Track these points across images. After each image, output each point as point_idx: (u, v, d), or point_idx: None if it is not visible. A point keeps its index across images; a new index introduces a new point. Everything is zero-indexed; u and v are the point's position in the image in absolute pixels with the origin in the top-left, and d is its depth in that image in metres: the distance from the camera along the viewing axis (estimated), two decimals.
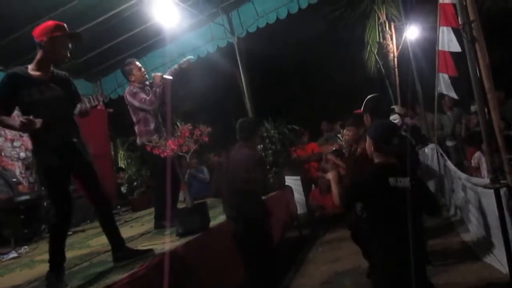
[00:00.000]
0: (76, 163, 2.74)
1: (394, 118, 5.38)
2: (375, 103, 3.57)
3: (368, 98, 3.60)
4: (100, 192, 2.83)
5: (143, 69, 4.49)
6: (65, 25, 2.74)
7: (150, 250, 2.86)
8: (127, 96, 4.33)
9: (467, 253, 4.01)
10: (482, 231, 4.01)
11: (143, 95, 4.26)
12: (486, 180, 3.30)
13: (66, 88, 2.81)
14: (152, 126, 4.29)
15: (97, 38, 6.82)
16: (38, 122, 2.45)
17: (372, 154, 2.54)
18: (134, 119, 4.37)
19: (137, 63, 4.48)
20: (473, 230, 4.40)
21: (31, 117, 2.42)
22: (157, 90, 4.21)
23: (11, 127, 2.69)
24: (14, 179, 5.84)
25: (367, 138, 2.59)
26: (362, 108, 3.61)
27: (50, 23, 2.71)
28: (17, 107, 2.67)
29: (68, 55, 2.77)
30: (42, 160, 2.65)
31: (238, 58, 7.76)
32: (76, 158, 2.73)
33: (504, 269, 3.16)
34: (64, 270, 2.63)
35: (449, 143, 7.35)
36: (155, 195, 4.51)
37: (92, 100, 9.04)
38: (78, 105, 2.82)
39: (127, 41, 7.43)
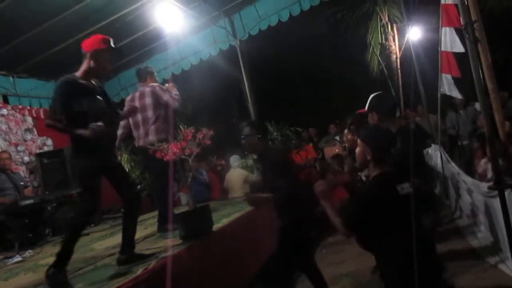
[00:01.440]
0: (110, 166, 2.93)
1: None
2: (381, 101, 3.49)
3: (373, 96, 3.52)
4: (131, 191, 3.07)
5: (156, 76, 4.80)
6: (111, 39, 2.93)
7: (153, 254, 2.89)
8: (157, 89, 4.42)
9: (474, 257, 3.96)
10: (488, 234, 3.98)
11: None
12: (491, 182, 3.28)
13: (106, 98, 2.99)
14: (167, 124, 4.41)
15: None
16: (104, 128, 2.68)
17: (366, 162, 2.37)
18: (153, 115, 4.36)
19: (152, 68, 4.82)
20: (479, 234, 4.36)
21: (99, 123, 2.64)
22: (177, 95, 4.50)
23: (72, 133, 2.76)
24: (22, 183, 5.88)
25: (362, 144, 2.40)
26: (366, 107, 3.52)
27: (99, 36, 2.92)
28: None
29: (111, 68, 2.98)
30: (83, 163, 2.77)
31: (240, 60, 7.77)
32: (111, 161, 2.95)
33: None
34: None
35: (464, 142, 7.30)
36: (158, 198, 4.53)
37: None
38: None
39: (130, 45, 7.45)
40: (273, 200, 3.19)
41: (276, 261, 3.27)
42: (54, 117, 2.75)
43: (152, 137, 4.27)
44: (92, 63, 2.83)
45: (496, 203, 3.21)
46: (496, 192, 3.14)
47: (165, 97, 4.39)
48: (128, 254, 2.88)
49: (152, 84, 4.51)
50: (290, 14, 7.35)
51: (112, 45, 2.92)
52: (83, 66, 2.85)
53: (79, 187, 2.94)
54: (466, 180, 4.67)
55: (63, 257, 2.64)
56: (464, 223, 5.11)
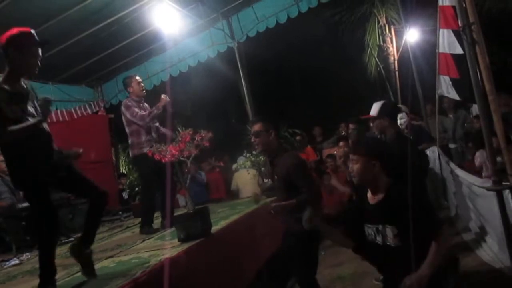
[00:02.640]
0: (57, 172, 2.64)
1: (402, 117, 5.31)
2: (390, 107, 3.57)
3: (384, 103, 3.60)
4: (89, 187, 2.76)
5: (142, 84, 4.73)
6: (32, 30, 2.56)
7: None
8: (122, 108, 4.59)
9: (470, 255, 3.98)
10: (485, 234, 3.99)
11: (136, 109, 4.53)
12: (489, 182, 3.28)
13: (34, 99, 2.69)
14: (143, 138, 4.53)
15: (98, 44, 6.85)
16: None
17: (372, 176, 2.33)
18: (127, 130, 4.61)
19: (138, 77, 4.75)
20: (476, 233, 4.37)
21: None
22: (156, 112, 4.51)
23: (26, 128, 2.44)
24: None
25: (364, 159, 2.33)
26: (377, 113, 3.55)
27: (15, 30, 2.51)
28: None
29: (39, 63, 2.60)
30: (26, 175, 2.50)
31: (238, 62, 7.78)
32: (55, 168, 2.64)
33: (509, 272, 3.15)
34: (55, 283, 2.60)
35: (451, 146, 7.32)
36: (142, 204, 4.80)
37: (93, 106, 9.10)
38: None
39: (128, 47, 7.46)
40: (293, 204, 2.79)
41: (284, 264, 3.15)
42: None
43: (130, 152, 4.64)
44: (14, 64, 2.52)
45: (493, 201, 3.21)
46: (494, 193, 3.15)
47: (129, 115, 4.50)
48: (81, 247, 2.73)
49: (126, 99, 4.68)
50: (288, 16, 7.35)
51: (36, 38, 2.56)
52: (6, 68, 2.54)
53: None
54: (464, 177, 4.67)
55: (46, 272, 2.56)
56: (460, 221, 5.13)
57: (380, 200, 2.35)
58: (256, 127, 3.07)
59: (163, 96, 4.59)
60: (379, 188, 2.37)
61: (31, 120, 2.45)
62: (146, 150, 4.23)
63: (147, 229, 4.44)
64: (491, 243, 3.80)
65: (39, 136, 2.56)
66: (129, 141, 4.62)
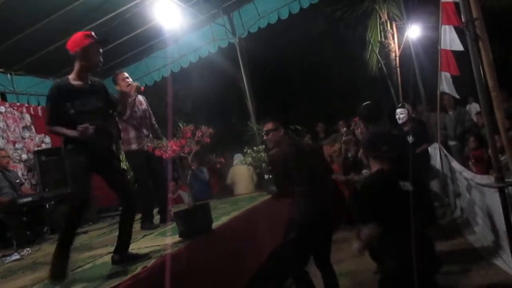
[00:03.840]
0: (103, 165, 2.89)
1: (401, 112, 5.34)
2: (368, 111, 3.74)
3: (360, 107, 3.79)
4: (127, 190, 2.99)
5: (128, 79, 4.61)
6: (92, 33, 2.89)
7: (146, 254, 2.90)
8: None
9: (473, 255, 3.97)
10: (488, 232, 3.98)
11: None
12: (491, 179, 3.28)
13: (104, 96, 2.98)
14: (131, 134, 4.54)
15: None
16: (92, 128, 2.65)
17: (368, 161, 2.55)
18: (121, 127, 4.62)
19: (124, 73, 4.70)
20: (479, 232, 4.37)
21: (87, 124, 2.63)
22: (128, 100, 4.26)
23: (65, 135, 2.79)
24: (18, 180, 5.84)
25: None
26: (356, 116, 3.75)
27: (79, 34, 2.88)
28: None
29: (101, 60, 2.92)
30: (73, 162, 2.77)
31: (239, 58, 7.75)
32: (103, 160, 2.89)
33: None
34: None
35: (450, 143, 7.31)
36: (142, 199, 4.76)
37: None
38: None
39: (129, 42, 7.42)
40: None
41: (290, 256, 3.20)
42: (49, 121, 2.80)
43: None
44: (81, 62, 2.83)
45: (495, 198, 3.20)
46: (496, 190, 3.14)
47: None
48: (122, 253, 2.87)
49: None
50: (290, 11, 7.33)
51: (95, 37, 2.89)
52: (75, 67, 2.85)
53: (70, 186, 2.91)
54: (466, 175, 4.66)
55: (61, 253, 2.64)
56: (463, 219, 5.12)
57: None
58: (268, 126, 3.41)
59: (133, 84, 4.44)
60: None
61: (71, 132, 2.72)
62: (134, 146, 4.44)
63: (148, 224, 4.46)
64: (497, 245, 3.74)
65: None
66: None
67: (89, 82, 2.89)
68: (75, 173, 2.77)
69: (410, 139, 5.13)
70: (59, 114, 2.77)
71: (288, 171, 3.13)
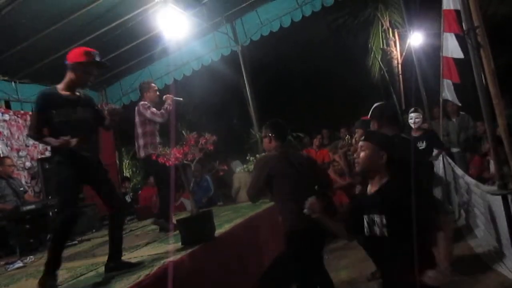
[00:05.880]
0: (90, 175, 2.92)
1: (417, 116, 5.24)
2: (381, 109, 3.56)
3: (375, 106, 3.60)
4: (115, 199, 2.99)
5: (158, 93, 4.97)
6: (96, 52, 2.95)
7: (140, 263, 2.91)
8: (140, 108, 4.74)
9: (476, 261, 3.95)
10: (491, 239, 3.96)
11: (154, 109, 4.76)
12: (494, 187, 3.27)
13: (91, 109, 3.01)
14: (157, 139, 4.74)
15: (102, 47, 6.82)
16: (74, 141, 2.66)
17: (375, 167, 2.32)
18: (140, 131, 4.73)
19: (154, 85, 5.03)
20: (481, 238, 4.35)
21: (68, 137, 2.64)
22: (168, 107, 4.74)
23: (48, 143, 2.86)
24: (21, 188, 5.85)
25: (374, 147, 2.34)
26: (369, 115, 3.59)
27: (82, 48, 2.93)
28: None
29: (92, 80, 2.99)
30: (61, 174, 2.79)
31: (242, 66, 7.79)
32: (91, 171, 2.91)
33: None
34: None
35: (454, 150, 7.30)
36: (160, 201, 4.90)
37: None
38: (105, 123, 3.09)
39: (132, 51, 7.48)
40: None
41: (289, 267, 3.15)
42: (34, 129, 2.84)
43: (141, 153, 4.71)
44: (72, 75, 2.88)
45: (498, 205, 3.20)
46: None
47: (147, 114, 4.69)
48: (117, 261, 2.90)
49: (141, 102, 4.82)
50: (292, 19, 7.36)
51: (96, 59, 2.93)
52: (66, 77, 2.91)
53: (55, 196, 2.95)
54: (469, 182, 4.64)
55: (53, 264, 2.69)
56: (465, 226, 5.10)
57: (376, 190, 2.35)
58: (263, 132, 3.36)
59: (165, 96, 4.83)
60: (378, 180, 2.36)
61: (54, 141, 2.72)
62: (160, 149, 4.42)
63: (163, 222, 4.51)
64: (500, 252, 3.72)
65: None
66: (141, 142, 4.69)
67: (77, 94, 2.94)
68: (63, 185, 2.80)
69: (421, 145, 5.10)
70: (43, 122, 2.80)
71: (265, 177, 3.04)
